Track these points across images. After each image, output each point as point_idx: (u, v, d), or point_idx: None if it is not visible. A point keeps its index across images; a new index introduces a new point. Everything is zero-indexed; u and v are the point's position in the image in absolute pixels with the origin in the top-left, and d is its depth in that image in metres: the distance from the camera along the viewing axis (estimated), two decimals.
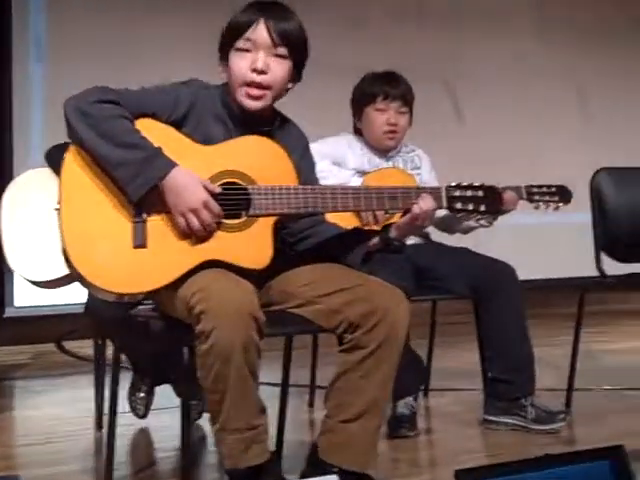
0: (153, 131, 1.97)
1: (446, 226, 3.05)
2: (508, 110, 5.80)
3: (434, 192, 2.13)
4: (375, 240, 2.17)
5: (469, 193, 2.14)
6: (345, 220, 2.38)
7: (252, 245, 1.97)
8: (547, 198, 2.93)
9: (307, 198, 2.02)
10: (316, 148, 2.85)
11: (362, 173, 2.95)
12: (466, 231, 3.04)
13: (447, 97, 5.76)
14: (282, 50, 2.10)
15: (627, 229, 3.18)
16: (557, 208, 2.96)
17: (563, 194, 2.95)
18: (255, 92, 2.08)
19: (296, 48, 2.12)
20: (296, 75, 2.16)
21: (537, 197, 2.93)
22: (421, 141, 3.19)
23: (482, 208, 2.13)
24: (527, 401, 2.77)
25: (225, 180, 1.99)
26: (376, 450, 2.09)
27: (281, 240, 2.16)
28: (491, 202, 2.13)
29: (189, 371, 2.92)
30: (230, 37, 2.09)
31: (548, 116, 5.89)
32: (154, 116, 2.02)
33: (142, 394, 2.97)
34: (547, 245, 5.57)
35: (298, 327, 2.12)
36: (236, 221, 1.98)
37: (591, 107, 6.10)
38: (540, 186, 2.94)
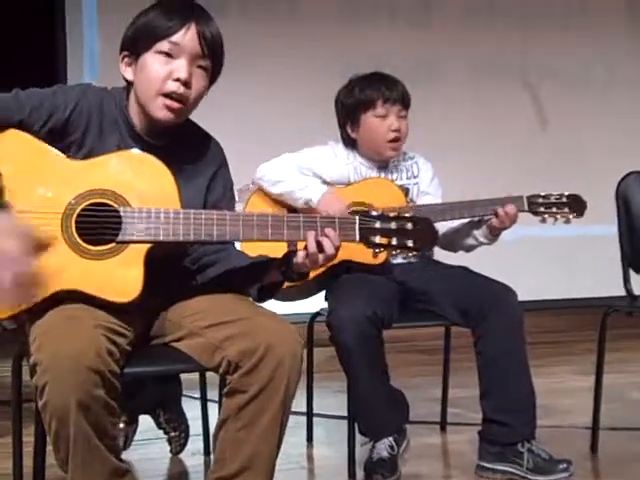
0: (15, 144, 1.78)
1: (447, 244, 2.68)
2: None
3: (346, 222, 1.82)
4: (275, 272, 1.89)
5: (392, 225, 1.82)
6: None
7: (119, 275, 1.73)
8: (554, 210, 2.53)
9: (188, 225, 1.76)
10: (290, 160, 2.60)
11: (346, 185, 2.65)
12: (467, 249, 2.67)
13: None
14: (207, 63, 1.88)
15: None
16: (568, 221, 2.55)
17: (575, 205, 2.55)
18: (175, 105, 1.85)
19: (218, 62, 1.91)
20: (206, 91, 1.92)
21: (542, 209, 2.54)
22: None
23: (401, 243, 1.81)
24: (524, 447, 2.38)
25: (93, 200, 1.76)
26: None
27: (182, 267, 1.92)
28: (410, 236, 1.81)
29: (165, 401, 2.78)
30: (150, 36, 1.84)
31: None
32: (46, 120, 1.82)
33: (121, 424, 2.79)
34: (565, 261, 4.95)
35: (169, 365, 1.86)
36: (103, 247, 1.74)
37: None
38: (547, 196, 2.54)
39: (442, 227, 2.62)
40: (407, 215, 1.84)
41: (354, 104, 2.65)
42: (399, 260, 2.61)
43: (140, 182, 1.79)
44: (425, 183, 2.73)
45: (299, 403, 2.94)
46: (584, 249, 4.79)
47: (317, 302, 2.65)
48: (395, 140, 2.63)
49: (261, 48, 4.86)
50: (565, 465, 2.35)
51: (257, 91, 4.86)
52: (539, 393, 2.48)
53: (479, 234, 2.58)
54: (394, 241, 1.82)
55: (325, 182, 2.59)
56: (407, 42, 5.15)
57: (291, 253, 1.86)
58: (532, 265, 4.74)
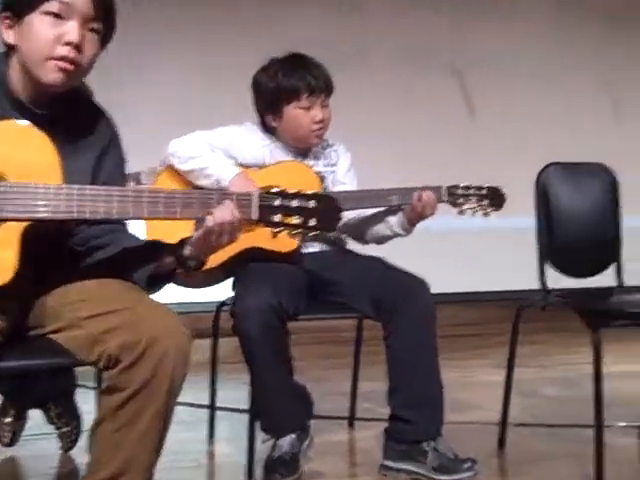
0: None
1: (359, 234, 2.58)
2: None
3: (244, 199, 1.69)
4: (169, 258, 1.75)
5: (293, 203, 1.71)
6: None
7: None
8: (474, 202, 2.44)
9: (71, 201, 1.61)
10: (204, 138, 2.46)
11: (260, 167, 2.51)
12: (380, 240, 2.56)
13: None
14: (98, 25, 1.72)
15: (578, 236, 2.66)
16: (486, 214, 2.47)
17: (494, 198, 2.47)
18: (68, 66, 1.68)
19: (111, 25, 1.76)
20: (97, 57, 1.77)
21: (461, 200, 2.45)
22: None
23: (303, 222, 1.70)
24: (429, 445, 2.29)
25: None
26: None
27: (66, 249, 1.76)
28: (313, 215, 1.70)
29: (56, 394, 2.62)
30: None
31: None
32: None
33: (9, 419, 2.62)
34: (482, 253, 4.91)
35: (44, 359, 1.70)
36: None
37: (619, 98, 5.46)
38: (467, 187, 2.46)
39: (355, 215, 2.52)
40: (310, 192, 1.72)
41: (276, 93, 2.49)
42: (310, 249, 2.50)
43: (19, 154, 1.64)
44: (342, 172, 2.62)
45: (202, 396, 2.83)
46: (502, 241, 4.74)
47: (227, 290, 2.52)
48: (319, 130, 2.51)
49: (177, 31, 4.65)
50: (469, 464, 2.27)
51: (172, 75, 4.64)
52: (453, 387, 2.43)
53: (395, 224, 2.48)
54: (295, 220, 1.70)
55: (239, 164, 2.45)
56: (336, 27, 5.03)
57: (187, 238, 1.73)
58: (449, 258, 4.67)
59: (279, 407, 2.31)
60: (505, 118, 5.21)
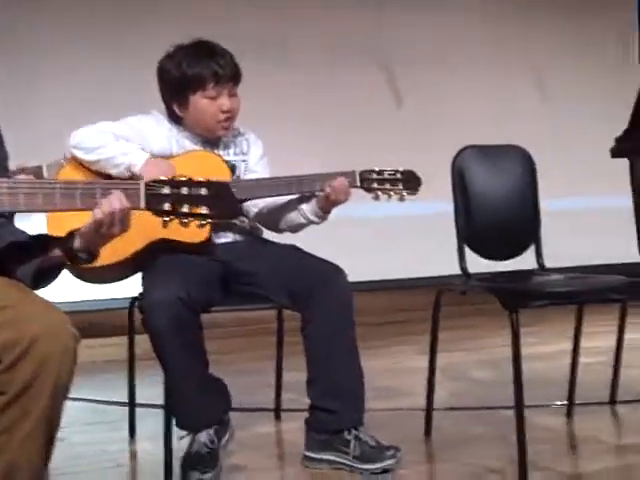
0: None
1: (272, 222, 2.53)
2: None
3: (130, 188, 1.63)
4: (56, 252, 1.67)
5: (183, 191, 1.68)
6: None
7: None
8: (388, 186, 2.41)
9: None
10: (108, 127, 2.39)
11: (167, 157, 2.44)
12: (294, 229, 2.51)
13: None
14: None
15: (497, 219, 2.65)
16: (402, 199, 2.44)
17: (409, 181, 2.44)
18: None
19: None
20: None
21: (375, 185, 2.41)
22: None
23: (194, 210, 1.65)
24: (351, 434, 2.26)
25: None
26: None
27: None
28: (204, 202, 1.64)
29: None
30: None
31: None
32: None
33: None
34: (403, 239, 4.88)
35: None
36: None
37: (548, 87, 5.50)
38: (381, 171, 2.42)
39: (268, 203, 2.47)
40: (201, 180, 1.67)
41: (181, 82, 2.41)
42: (223, 239, 2.44)
43: None
44: (253, 161, 2.55)
45: (122, 394, 2.75)
46: (426, 226, 4.72)
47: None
48: (226, 120, 2.45)
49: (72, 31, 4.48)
50: (392, 452, 2.25)
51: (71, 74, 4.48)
52: (380, 375, 2.40)
53: (308, 211, 2.43)
54: (185, 208, 1.65)
55: None
56: (258, 19, 4.95)
57: (76, 230, 1.66)
58: (371, 244, 4.64)
59: (193, 402, 2.25)
60: (430, 104, 5.21)
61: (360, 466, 2.24)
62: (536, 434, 2.63)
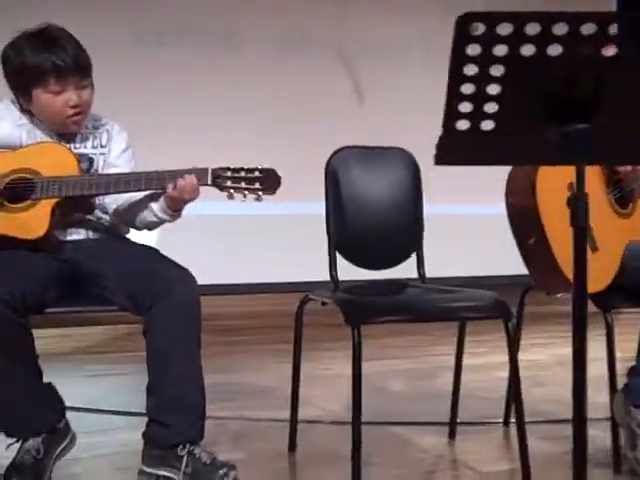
0: None
1: (126, 220, 2.38)
2: None
3: None
4: None
5: None
6: None
7: None
8: (243, 185, 2.25)
9: None
10: None
11: (14, 149, 2.30)
12: (149, 226, 2.36)
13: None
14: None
15: (375, 226, 2.50)
16: (259, 198, 2.28)
17: (267, 180, 2.28)
18: None
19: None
20: None
21: (229, 183, 2.26)
22: None
23: None
24: (184, 450, 2.12)
25: None
26: None
27: None
28: None
29: None
30: None
31: None
32: None
33: None
34: (271, 241, 4.67)
35: None
36: None
37: None
38: (237, 169, 2.27)
39: (124, 200, 2.33)
40: None
41: (21, 75, 2.24)
42: (75, 236, 2.31)
43: None
44: (114, 154, 2.41)
45: None
46: (295, 228, 4.52)
47: None
48: (76, 114, 2.30)
49: None
50: (225, 470, 2.10)
51: None
52: (224, 386, 2.26)
53: (157, 209, 2.28)
54: None
55: None
56: (208, 8, 4.82)
57: None
58: (240, 246, 4.41)
59: (18, 409, 2.12)
60: (389, 99, 5.07)
61: None
62: (410, 454, 2.51)
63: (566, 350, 3.18)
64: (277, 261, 4.45)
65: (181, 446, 2.13)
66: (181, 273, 2.19)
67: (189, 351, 2.15)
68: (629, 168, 2.38)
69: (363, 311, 2.05)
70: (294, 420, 2.49)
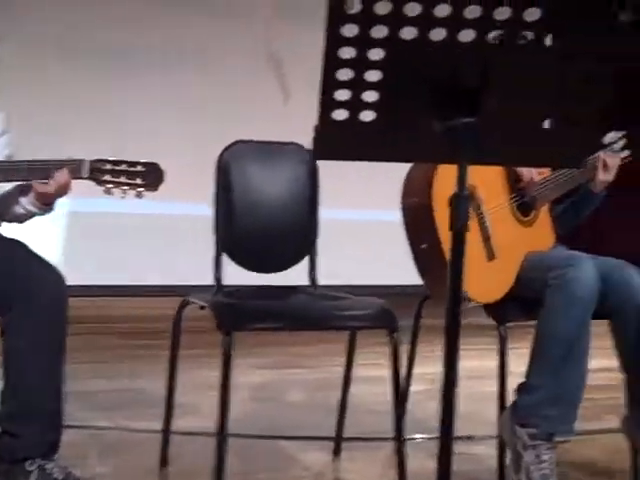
0: None
1: None
2: None
3: None
4: None
5: None
6: None
7: None
8: (124, 179, 2.07)
9: None
10: None
11: None
12: (19, 219, 2.16)
13: None
14: None
15: (265, 226, 2.34)
16: (139, 195, 2.10)
17: (149, 176, 2.10)
18: None
19: None
20: None
21: (108, 177, 2.07)
22: None
23: None
24: (34, 464, 1.92)
25: None
26: None
27: None
28: None
29: None
30: None
31: None
32: None
33: None
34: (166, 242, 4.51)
35: None
36: None
37: None
38: (117, 162, 2.08)
39: None
40: None
41: None
42: None
43: None
44: None
45: None
46: (184, 230, 4.33)
47: None
48: None
49: None
50: None
51: None
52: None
53: (26, 202, 2.08)
54: None
55: None
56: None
57: None
58: (115, 245, 4.17)
59: None
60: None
61: None
62: (292, 471, 2.36)
63: (473, 363, 3.10)
64: (172, 263, 4.26)
65: (30, 460, 1.93)
66: (46, 272, 2.00)
67: (49, 356, 1.97)
68: (533, 173, 2.28)
69: (236, 316, 1.89)
70: (167, 432, 2.30)
